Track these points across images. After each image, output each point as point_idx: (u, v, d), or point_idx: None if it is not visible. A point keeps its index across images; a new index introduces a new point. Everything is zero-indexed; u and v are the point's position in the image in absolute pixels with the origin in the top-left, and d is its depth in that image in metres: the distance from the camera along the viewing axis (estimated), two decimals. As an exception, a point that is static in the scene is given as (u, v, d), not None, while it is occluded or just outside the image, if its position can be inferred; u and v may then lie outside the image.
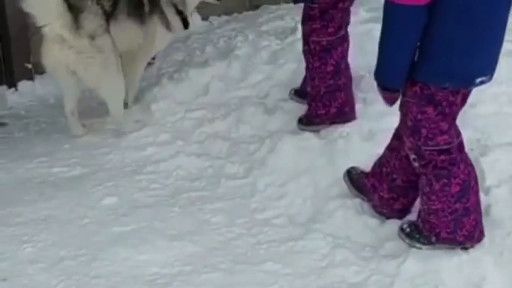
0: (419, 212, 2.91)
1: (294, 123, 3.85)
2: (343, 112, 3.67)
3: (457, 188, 2.74)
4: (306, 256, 2.96)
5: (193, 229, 3.17)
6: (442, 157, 2.73)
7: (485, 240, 2.81)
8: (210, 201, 3.38)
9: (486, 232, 2.82)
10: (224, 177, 3.55)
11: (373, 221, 3.06)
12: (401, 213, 3.04)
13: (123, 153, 3.84)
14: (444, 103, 2.67)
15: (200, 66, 4.55)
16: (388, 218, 3.05)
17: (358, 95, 4.05)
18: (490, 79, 2.73)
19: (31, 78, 4.88)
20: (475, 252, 2.78)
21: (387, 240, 2.96)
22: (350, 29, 4.91)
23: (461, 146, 2.79)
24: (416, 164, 2.81)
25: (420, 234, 2.85)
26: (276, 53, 4.41)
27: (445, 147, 2.72)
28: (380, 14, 4.91)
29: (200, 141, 3.87)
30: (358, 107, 3.91)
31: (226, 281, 2.84)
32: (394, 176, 2.98)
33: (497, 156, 3.19)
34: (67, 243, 3.09)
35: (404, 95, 2.78)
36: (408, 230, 2.90)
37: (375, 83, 2.85)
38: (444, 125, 2.71)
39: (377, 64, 2.77)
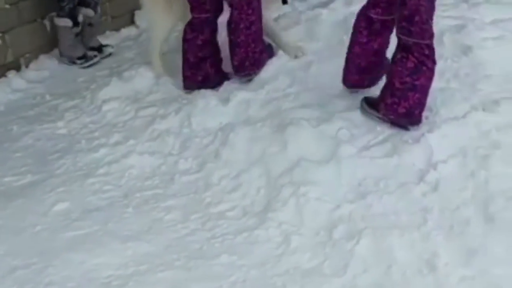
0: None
1: (246, 114, 3.85)
2: None
3: (411, 65, 3.24)
4: (261, 245, 2.97)
5: (147, 228, 3.15)
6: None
7: (435, 215, 2.83)
8: (164, 198, 3.36)
9: (434, 207, 2.85)
10: (178, 174, 3.53)
11: (325, 206, 3.07)
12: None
13: (75, 157, 3.79)
14: None
15: (149, 63, 4.51)
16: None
17: (308, 81, 4.07)
18: None
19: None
20: (426, 228, 2.81)
21: (340, 223, 2.97)
22: (299, 15, 4.95)
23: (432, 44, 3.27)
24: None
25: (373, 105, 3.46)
26: (225, 44, 4.38)
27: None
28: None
29: (152, 138, 3.83)
30: (308, 93, 3.93)
31: (182, 278, 2.82)
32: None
33: (444, 132, 3.22)
34: (19, 252, 3.05)
35: None
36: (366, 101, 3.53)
37: None
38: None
39: None
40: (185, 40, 4.23)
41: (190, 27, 4.21)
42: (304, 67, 4.20)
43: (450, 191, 2.92)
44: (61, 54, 5.15)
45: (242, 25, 4.07)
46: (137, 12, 5.76)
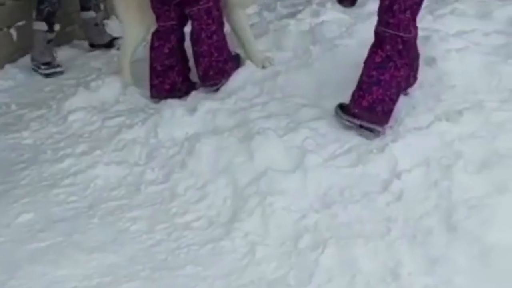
0: None
1: (213, 123, 3.85)
2: None
3: (379, 60, 3.30)
4: (226, 256, 2.95)
5: (112, 239, 3.12)
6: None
7: (399, 224, 2.86)
8: (129, 209, 3.34)
9: (398, 217, 2.87)
10: (144, 184, 3.51)
11: (291, 216, 3.07)
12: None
13: (40, 167, 3.75)
14: None
15: (118, 72, 4.49)
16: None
17: (275, 91, 4.09)
18: None
19: None
20: (389, 237, 2.83)
21: (305, 233, 2.97)
22: (267, 25, 4.98)
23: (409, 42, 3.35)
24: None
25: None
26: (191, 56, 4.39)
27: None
28: (295, 10, 4.98)
29: (118, 149, 3.81)
30: (275, 103, 3.94)
31: (146, 289, 2.81)
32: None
33: (408, 141, 3.24)
34: (-19, 265, 3.00)
35: None
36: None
37: None
38: None
39: None
40: (152, 48, 4.22)
41: (157, 35, 4.21)
42: (271, 77, 4.21)
43: (414, 200, 2.94)
44: (32, 59, 5.13)
45: (203, 35, 4.08)
46: (105, 22, 5.74)
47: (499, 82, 3.60)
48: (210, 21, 4.10)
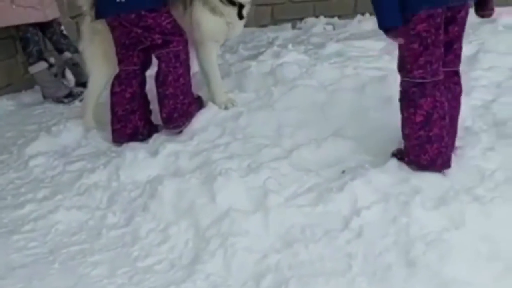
0: None
1: (175, 165, 3.85)
2: None
3: (421, 118, 3.24)
4: (189, 298, 2.94)
5: (73, 284, 3.08)
6: (414, 89, 3.24)
7: (359, 261, 2.88)
8: (90, 253, 3.30)
9: (359, 253, 2.89)
10: (105, 228, 3.49)
11: (253, 256, 3.07)
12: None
13: (0, 213, 3.70)
14: (426, 35, 3.17)
15: (78, 117, 4.49)
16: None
17: (237, 132, 4.13)
18: None
19: None
20: (350, 274, 2.84)
21: (267, 273, 2.97)
22: (229, 67, 5.04)
23: (435, 84, 3.25)
24: (400, 97, 3.34)
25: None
26: (154, 96, 4.41)
27: (419, 80, 3.23)
28: (257, 52, 5.05)
29: (80, 193, 3.79)
30: (237, 144, 3.98)
31: (107, 334, 2.77)
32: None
33: (367, 179, 3.29)
34: None
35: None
36: (398, 156, 3.41)
37: None
38: (422, 60, 3.21)
39: (378, 14, 3.20)
40: (113, 93, 4.24)
41: (118, 80, 4.23)
42: (234, 118, 4.26)
43: (373, 237, 2.97)
44: (44, 97, 5.28)
45: (170, 78, 4.12)
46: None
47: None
48: (178, 64, 4.14)
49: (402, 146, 3.41)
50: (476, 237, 2.86)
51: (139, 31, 4.08)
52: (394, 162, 3.36)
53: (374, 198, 3.16)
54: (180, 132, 4.25)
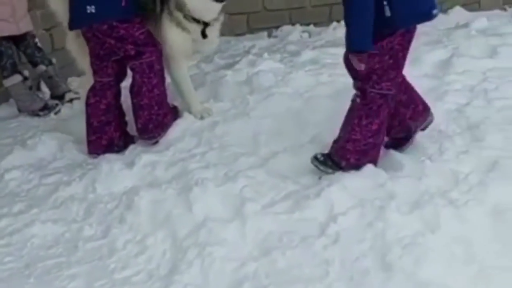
0: (334, 142, 3.48)
1: (151, 176, 3.84)
2: None
3: (376, 127, 3.35)
4: (166, 309, 2.92)
5: (49, 299, 3.06)
6: (380, 100, 3.33)
7: (336, 267, 2.88)
8: (67, 267, 3.27)
9: (335, 259, 2.91)
10: (82, 240, 3.46)
11: (231, 265, 3.06)
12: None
13: (-25, 229, 3.66)
14: (398, 48, 3.27)
15: (53, 129, 4.46)
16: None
17: (214, 141, 4.13)
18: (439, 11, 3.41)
19: None
20: (328, 279, 2.85)
21: (245, 281, 2.96)
22: (204, 76, 5.05)
23: (393, 96, 3.37)
24: (357, 100, 3.39)
25: (332, 161, 3.43)
26: (129, 107, 4.40)
27: (385, 92, 3.32)
28: (233, 60, 5.09)
29: (56, 206, 3.76)
30: (213, 153, 3.98)
31: None
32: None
33: (343, 185, 3.30)
34: None
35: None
36: (322, 158, 3.46)
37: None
38: (391, 73, 3.31)
39: (350, 35, 3.19)
40: (88, 104, 4.22)
41: (93, 91, 4.22)
42: (209, 127, 4.26)
43: (350, 242, 2.98)
44: (19, 110, 5.22)
45: (144, 88, 4.11)
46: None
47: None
48: (152, 75, 4.14)
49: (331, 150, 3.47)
50: (451, 240, 2.88)
51: (112, 42, 4.07)
52: (369, 167, 3.38)
53: (350, 204, 3.18)
54: (156, 142, 4.24)
